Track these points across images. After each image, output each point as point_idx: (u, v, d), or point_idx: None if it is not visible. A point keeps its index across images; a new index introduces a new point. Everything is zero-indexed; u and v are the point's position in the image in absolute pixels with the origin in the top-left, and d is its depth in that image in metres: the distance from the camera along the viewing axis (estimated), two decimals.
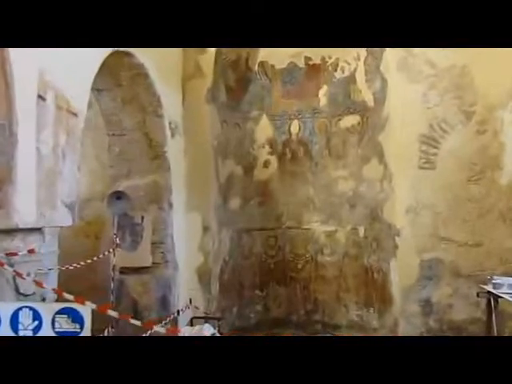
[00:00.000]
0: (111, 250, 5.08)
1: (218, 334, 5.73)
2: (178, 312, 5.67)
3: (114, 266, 5.17)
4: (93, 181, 5.93)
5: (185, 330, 5.63)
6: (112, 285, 5.17)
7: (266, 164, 7.32)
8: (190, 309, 6.01)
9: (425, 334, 6.02)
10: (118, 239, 5.14)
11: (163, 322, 5.27)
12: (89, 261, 4.71)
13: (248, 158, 7.22)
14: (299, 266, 7.33)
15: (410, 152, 6.10)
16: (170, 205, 5.56)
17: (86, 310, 2.92)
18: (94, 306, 2.86)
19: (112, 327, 5.10)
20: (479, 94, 5.98)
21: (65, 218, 3.58)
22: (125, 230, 5.44)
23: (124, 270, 5.51)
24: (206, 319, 6.09)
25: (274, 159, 7.34)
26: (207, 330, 5.62)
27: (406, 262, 6.14)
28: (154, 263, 5.53)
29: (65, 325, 3.00)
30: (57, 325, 3.02)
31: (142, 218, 5.45)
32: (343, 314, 7.08)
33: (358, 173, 6.95)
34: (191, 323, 6.06)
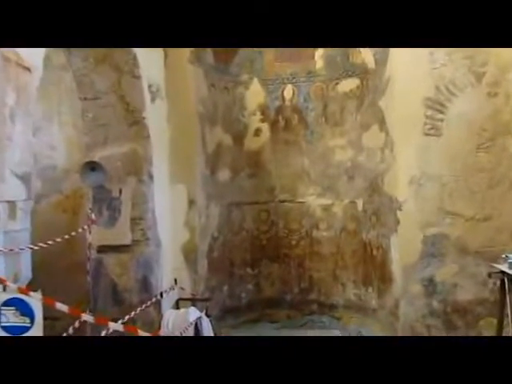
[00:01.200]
0: (86, 227, 4.60)
1: (204, 317, 5.39)
2: (162, 294, 5.23)
3: (89, 244, 4.68)
4: (71, 150, 5.37)
5: (169, 314, 5.25)
6: (88, 265, 4.70)
7: (258, 132, 6.92)
8: (174, 290, 5.58)
9: (427, 316, 5.72)
10: (93, 215, 4.65)
11: (143, 306, 4.82)
12: (58, 239, 4.24)
13: (238, 126, 6.79)
14: (293, 242, 7.05)
15: (414, 117, 5.61)
16: (151, 176, 5.04)
17: (36, 300, 2.41)
18: (39, 297, 2.35)
19: (90, 311, 4.69)
20: (491, 52, 5.44)
21: (17, 191, 3.04)
22: (101, 205, 4.94)
23: (102, 249, 5.04)
24: (193, 301, 5.73)
25: (265, 127, 6.93)
26: (193, 314, 5.23)
27: (408, 238, 5.75)
28: (133, 241, 5.04)
29: (13, 318, 2.51)
30: (3, 318, 2.53)
31: (120, 191, 4.93)
32: (340, 293, 6.88)
33: (357, 141, 6.57)
34: (177, 305, 5.66)
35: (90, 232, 4.62)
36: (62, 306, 2.42)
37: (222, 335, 5.44)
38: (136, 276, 5.07)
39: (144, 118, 4.87)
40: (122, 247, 5.00)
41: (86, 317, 2.68)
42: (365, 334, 6.48)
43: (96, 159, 4.67)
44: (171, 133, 5.54)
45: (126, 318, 4.59)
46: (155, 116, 5.15)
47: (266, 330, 6.70)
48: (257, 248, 7.02)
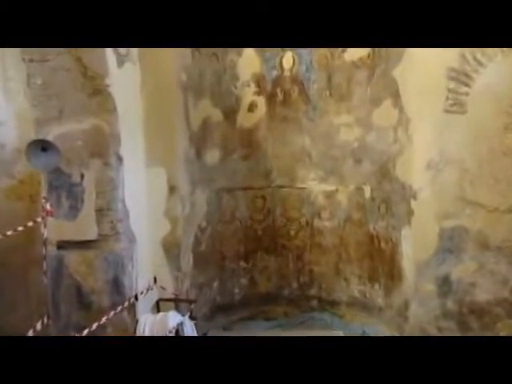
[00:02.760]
0: (40, 219, 3.86)
1: (187, 322, 4.70)
2: (136, 296, 4.50)
3: (45, 239, 3.95)
4: (23, 126, 4.53)
5: (145, 319, 4.55)
6: (44, 264, 3.98)
7: (252, 107, 6.17)
8: (153, 290, 4.89)
9: (440, 318, 5.22)
10: (48, 205, 3.88)
11: (112, 312, 4.09)
12: (9, 233, 3.53)
13: (229, 99, 6.00)
14: (292, 233, 6.48)
15: (435, 91, 4.90)
16: (120, 159, 4.21)
17: None
18: None
19: (48, 317, 4.00)
20: None
21: None
22: (60, 193, 4.14)
23: (63, 245, 4.28)
24: (176, 301, 5.07)
25: (261, 101, 6.17)
26: (172, 319, 4.53)
27: (421, 231, 5.17)
28: (100, 235, 4.27)
29: None
30: None
31: (82, 176, 4.12)
32: (343, 289, 6.37)
33: (366, 118, 5.85)
34: (157, 307, 4.97)
35: (45, 225, 3.87)
36: None
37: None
38: (105, 276, 4.32)
39: (107, 87, 4.00)
40: (87, 243, 4.23)
41: None
42: (369, 333, 5.96)
43: (49, 137, 3.85)
44: (146, 106, 4.70)
45: (95, 325, 3.91)
46: (124, 84, 4.28)
47: (262, 329, 6.12)
48: (251, 239, 6.41)
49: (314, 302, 6.43)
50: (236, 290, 6.37)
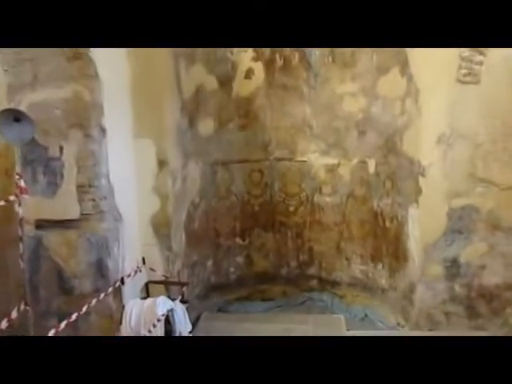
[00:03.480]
0: (14, 197, 3.48)
1: (178, 307, 4.42)
2: (123, 280, 4.18)
3: (21, 219, 3.57)
4: None
5: (132, 305, 4.25)
6: (21, 246, 3.61)
7: (249, 74, 5.81)
8: (141, 272, 4.57)
9: (448, 302, 5.06)
10: (22, 181, 3.50)
11: (95, 297, 3.78)
12: None
13: (224, 66, 5.62)
14: (291, 209, 6.24)
15: (447, 59, 4.54)
16: (103, 130, 3.82)
17: None
18: None
19: (26, 304, 3.68)
20: None
21: None
22: (36, 167, 3.77)
23: (41, 224, 3.92)
24: (166, 284, 4.76)
25: (259, 67, 5.82)
26: (162, 305, 4.22)
27: (429, 210, 4.92)
28: (82, 214, 3.92)
29: None
30: None
31: (61, 149, 3.74)
32: (344, 268, 6.16)
33: (372, 88, 5.54)
34: (146, 290, 4.66)
35: (19, 204, 3.49)
36: None
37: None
38: (88, 259, 3.99)
39: (88, 50, 3.60)
40: (68, 222, 3.88)
41: None
42: (371, 316, 5.75)
43: (22, 106, 3.44)
44: (133, 72, 4.30)
45: (75, 315, 3.60)
46: (108, 48, 3.87)
47: (259, 310, 5.91)
48: (247, 215, 6.15)
49: (314, 282, 6.24)
50: (231, 269, 6.15)
